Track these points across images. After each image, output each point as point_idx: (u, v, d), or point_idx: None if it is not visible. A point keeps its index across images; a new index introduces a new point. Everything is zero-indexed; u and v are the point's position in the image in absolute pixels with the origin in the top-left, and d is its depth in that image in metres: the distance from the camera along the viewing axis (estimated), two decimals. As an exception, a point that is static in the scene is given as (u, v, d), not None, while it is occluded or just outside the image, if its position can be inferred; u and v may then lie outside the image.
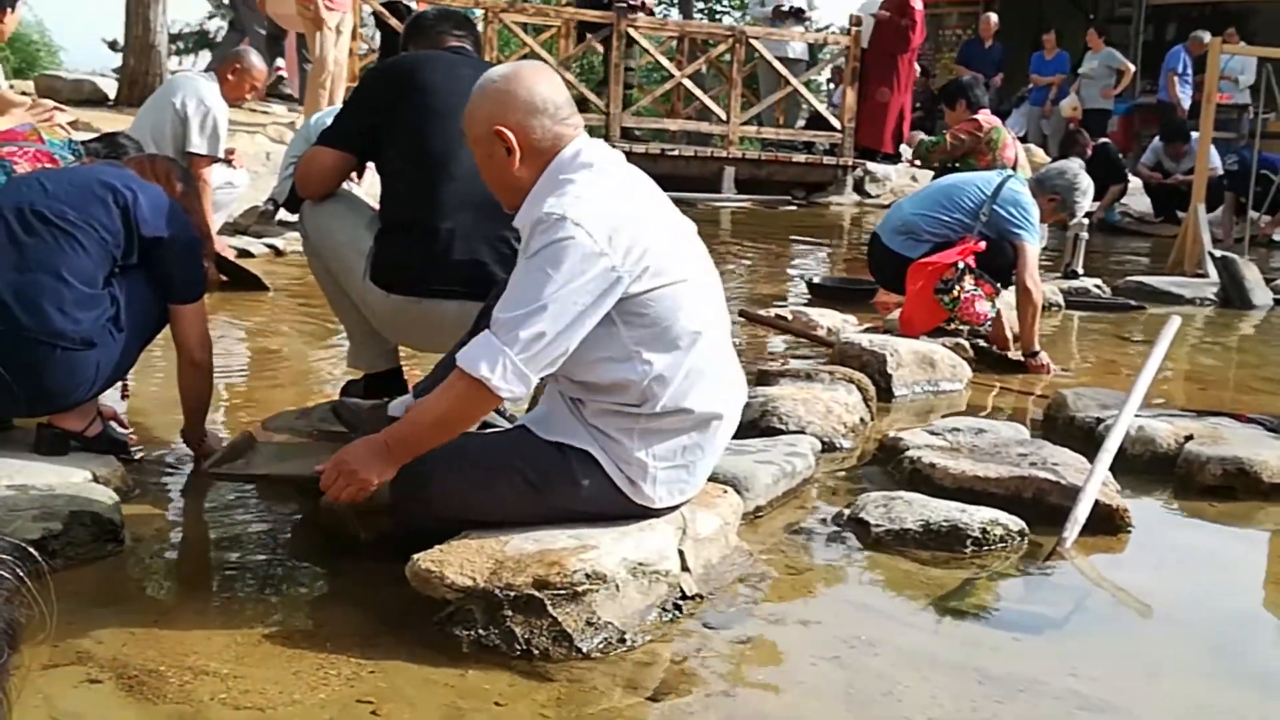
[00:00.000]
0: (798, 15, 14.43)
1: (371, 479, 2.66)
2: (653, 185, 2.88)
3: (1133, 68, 16.22)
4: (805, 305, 6.67)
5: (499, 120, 2.69)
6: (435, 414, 2.64)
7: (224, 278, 6.59)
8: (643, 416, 2.66)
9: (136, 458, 3.58)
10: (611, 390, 2.67)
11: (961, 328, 5.80)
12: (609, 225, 2.56)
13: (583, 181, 2.63)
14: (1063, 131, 14.55)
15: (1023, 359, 5.63)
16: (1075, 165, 6.23)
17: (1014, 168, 7.07)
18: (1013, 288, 5.72)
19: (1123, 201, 13.56)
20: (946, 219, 5.91)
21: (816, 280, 7.91)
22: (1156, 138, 13.31)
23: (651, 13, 14.70)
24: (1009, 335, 5.81)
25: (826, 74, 16.53)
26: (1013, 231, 5.71)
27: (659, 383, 2.64)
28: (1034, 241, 5.75)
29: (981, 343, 5.83)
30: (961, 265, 5.58)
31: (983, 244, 5.67)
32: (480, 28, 12.30)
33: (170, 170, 3.74)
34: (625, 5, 13.49)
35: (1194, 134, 12.15)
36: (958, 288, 5.55)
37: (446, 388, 2.62)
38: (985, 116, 7.80)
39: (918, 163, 9.17)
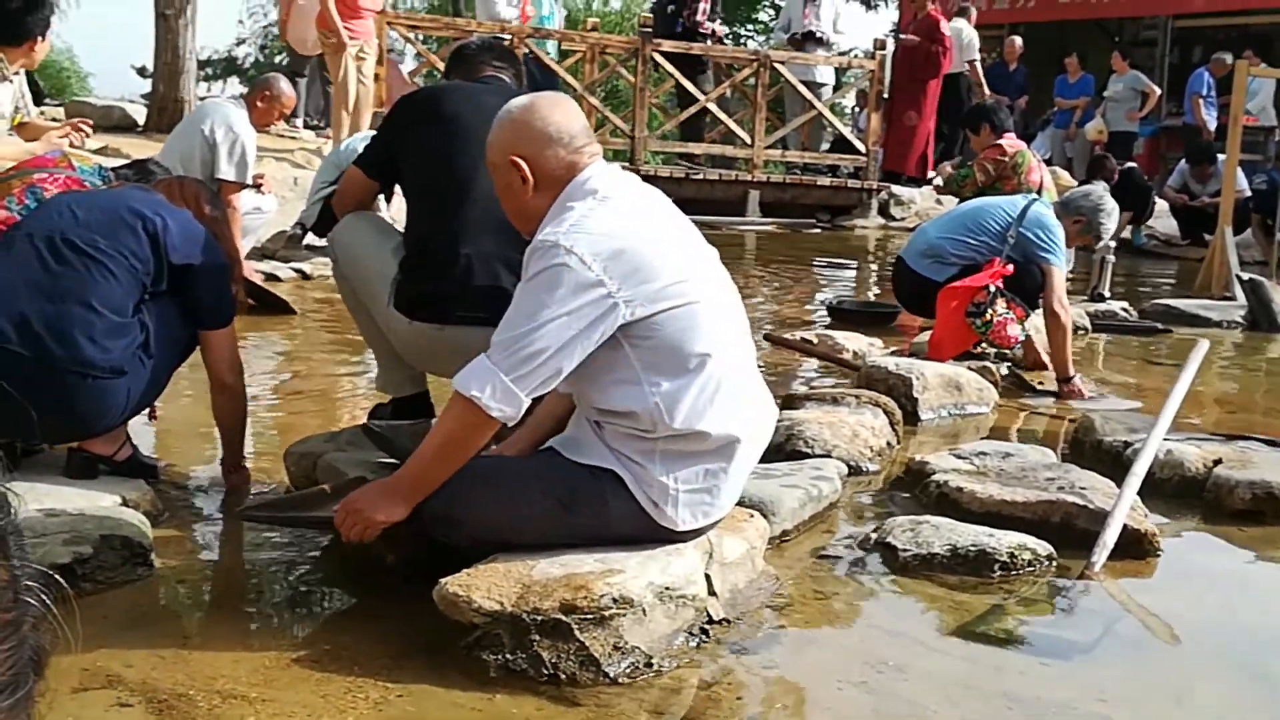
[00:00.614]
0: (816, 40, 14.47)
1: (377, 518, 2.71)
2: (671, 206, 2.89)
3: (1158, 90, 16.20)
4: (830, 329, 6.67)
5: (514, 150, 2.74)
6: (435, 441, 2.69)
7: (251, 302, 6.63)
8: (660, 440, 2.67)
9: (160, 480, 3.60)
10: (625, 415, 2.68)
11: (989, 350, 5.79)
12: (606, 252, 2.57)
13: (582, 209, 2.65)
14: (1088, 154, 14.55)
15: (1057, 385, 5.60)
16: (1100, 188, 6.21)
17: (1039, 191, 7.04)
18: (1041, 312, 5.70)
19: (1149, 224, 13.51)
20: (972, 242, 5.90)
21: (837, 303, 7.90)
22: (1182, 160, 13.25)
23: (721, 40, 14.74)
24: (1045, 359, 5.78)
25: (852, 98, 16.51)
26: (1040, 255, 5.70)
27: (668, 404, 2.64)
28: (1061, 265, 5.73)
29: (1007, 366, 5.81)
30: (993, 288, 5.57)
31: (1010, 267, 5.66)
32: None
33: (199, 193, 3.76)
34: (704, 33, 13.63)
35: (1220, 155, 12.12)
36: (990, 311, 5.55)
37: (444, 413, 2.70)
38: (1009, 141, 7.78)
39: (945, 197, 9.13)
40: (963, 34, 14.88)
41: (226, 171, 7.02)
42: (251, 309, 6.56)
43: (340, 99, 10.29)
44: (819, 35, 14.24)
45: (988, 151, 7.73)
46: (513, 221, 2.85)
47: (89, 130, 5.25)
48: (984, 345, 5.71)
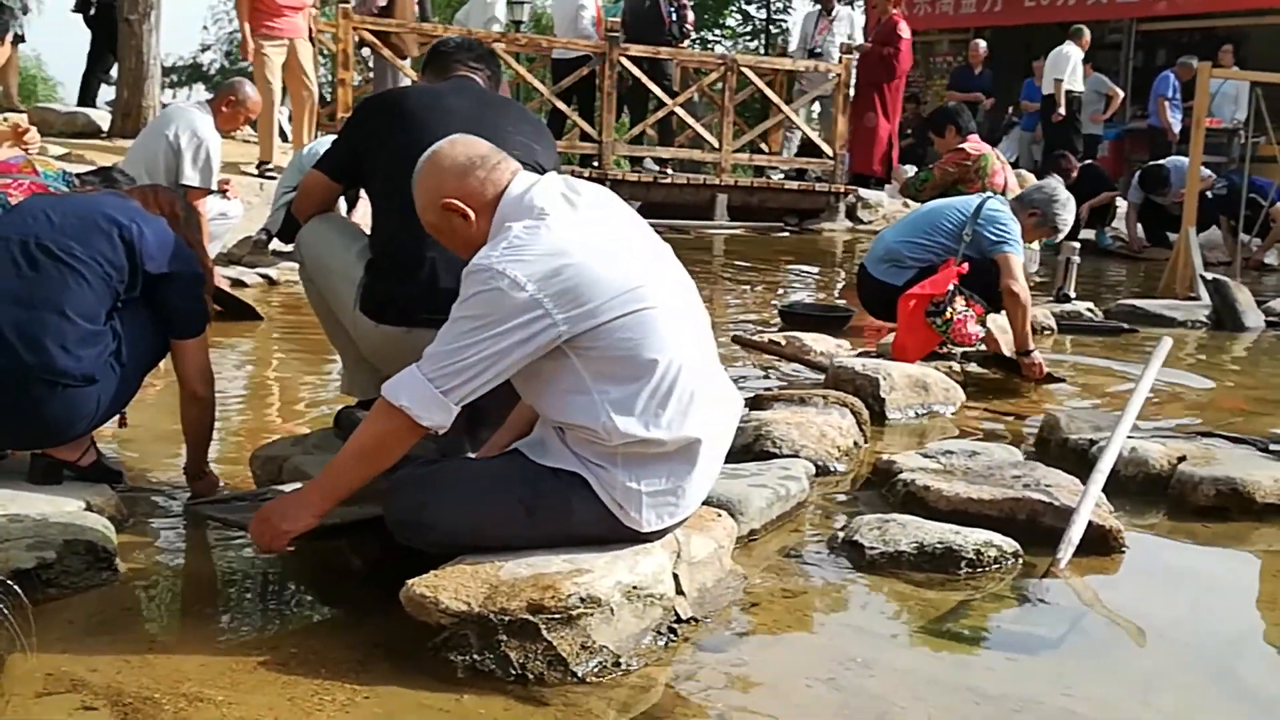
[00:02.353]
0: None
1: (282, 527, 2.74)
2: (621, 208, 2.89)
3: (1121, 93, 16.31)
4: (793, 331, 6.68)
5: (442, 195, 2.76)
6: (356, 446, 2.71)
7: (218, 308, 6.60)
8: (619, 445, 2.67)
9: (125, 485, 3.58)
10: (579, 425, 2.69)
11: (954, 350, 5.82)
12: (541, 272, 2.57)
13: (519, 229, 2.64)
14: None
15: (1017, 359, 5.67)
16: (1053, 181, 6.22)
17: (1004, 192, 7.07)
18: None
19: (1114, 225, 13.59)
20: (928, 244, 5.95)
21: (789, 307, 7.84)
22: (1136, 178, 13.21)
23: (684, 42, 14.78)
24: (1003, 349, 5.84)
25: (817, 103, 16.59)
26: (992, 247, 5.75)
27: (619, 412, 2.64)
28: (1016, 252, 5.76)
29: (973, 366, 5.84)
30: (951, 287, 5.61)
31: (965, 266, 5.70)
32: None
33: (173, 201, 3.71)
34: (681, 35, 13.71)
35: (1178, 159, 12.19)
36: (949, 309, 5.58)
37: (368, 421, 2.72)
38: (973, 144, 7.80)
39: (907, 201, 9.14)
40: (1061, 53, 14.88)
41: (191, 177, 6.99)
42: (218, 314, 6.53)
43: (264, 102, 10.21)
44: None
45: (950, 154, 7.76)
46: (468, 258, 2.82)
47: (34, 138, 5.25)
48: (948, 345, 5.74)
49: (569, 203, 2.72)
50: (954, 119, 7.93)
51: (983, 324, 5.70)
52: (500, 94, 4.05)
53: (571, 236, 2.64)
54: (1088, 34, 15.38)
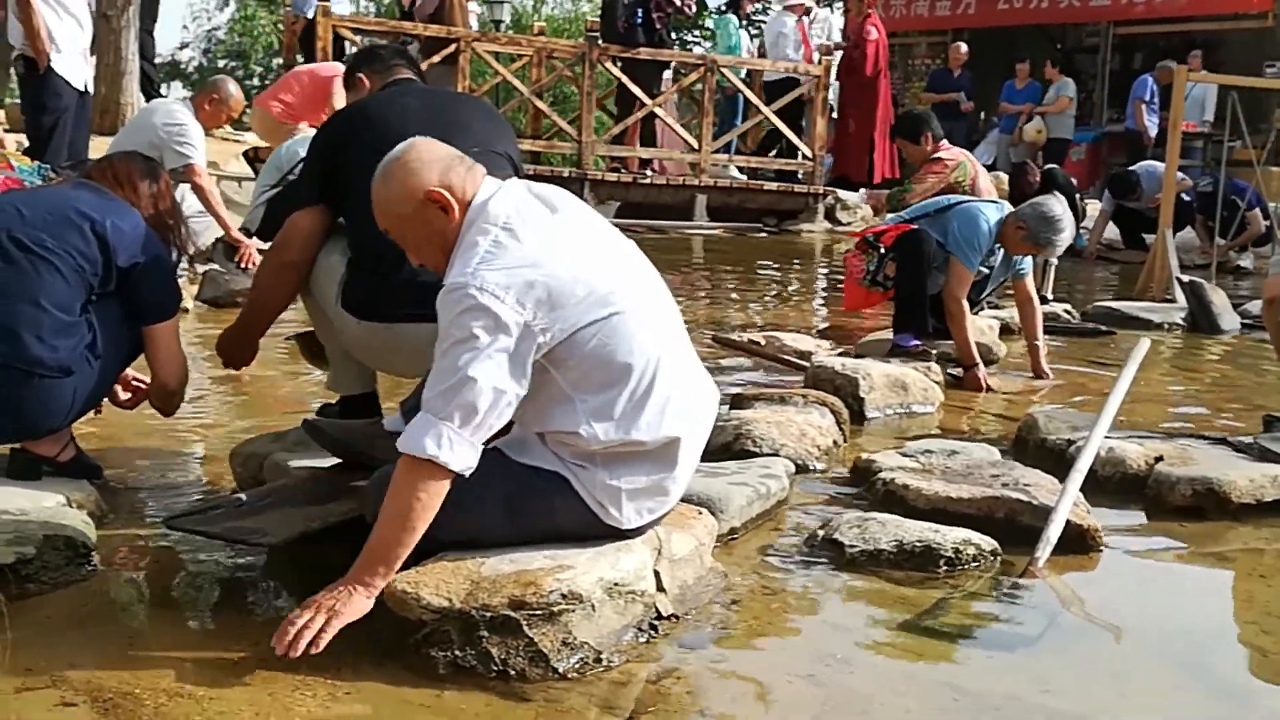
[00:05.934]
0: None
1: (352, 615, 2.54)
2: (584, 211, 2.88)
3: (1070, 97, 16.36)
4: (777, 330, 6.71)
5: (424, 185, 2.70)
6: (396, 512, 2.57)
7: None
8: (599, 449, 2.68)
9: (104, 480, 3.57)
10: (560, 430, 2.70)
11: (932, 350, 5.89)
12: (516, 285, 2.55)
13: (486, 243, 2.62)
14: (1032, 159, 14.68)
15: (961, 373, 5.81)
16: (1051, 200, 6.09)
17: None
18: (981, 310, 5.87)
19: (1084, 226, 13.59)
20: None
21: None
22: (1108, 191, 13.09)
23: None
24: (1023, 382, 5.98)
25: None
26: (949, 239, 5.91)
27: (599, 418, 2.65)
28: (964, 260, 5.85)
29: (952, 371, 5.87)
30: (883, 250, 6.06)
31: (912, 225, 6.01)
32: (454, 57, 12.38)
33: (132, 171, 3.62)
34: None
35: (1148, 164, 12.23)
36: (881, 274, 6.10)
37: (397, 483, 2.59)
38: (948, 151, 7.53)
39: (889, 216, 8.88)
40: None
41: (189, 156, 6.97)
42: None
43: None
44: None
45: (927, 165, 7.46)
46: (439, 266, 2.75)
47: None
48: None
49: (532, 210, 2.72)
50: (928, 124, 7.64)
51: None
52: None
53: (540, 245, 2.64)
54: None
